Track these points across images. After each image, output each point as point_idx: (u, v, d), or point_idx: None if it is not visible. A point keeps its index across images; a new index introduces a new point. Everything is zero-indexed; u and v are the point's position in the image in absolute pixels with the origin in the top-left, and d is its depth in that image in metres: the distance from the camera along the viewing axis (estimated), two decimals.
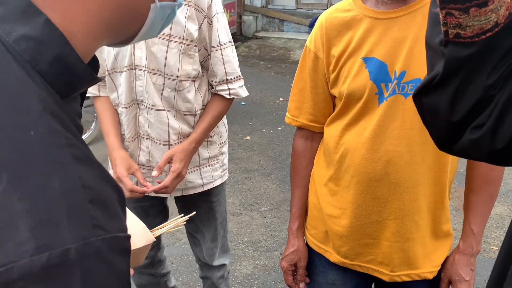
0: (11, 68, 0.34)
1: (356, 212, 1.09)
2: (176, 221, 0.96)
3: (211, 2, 1.32)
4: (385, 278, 1.12)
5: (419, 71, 0.97)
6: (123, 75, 1.33)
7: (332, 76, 1.08)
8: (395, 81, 0.99)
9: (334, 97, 1.13)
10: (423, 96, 0.56)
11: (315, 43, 1.11)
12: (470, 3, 0.45)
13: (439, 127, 0.56)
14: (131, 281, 1.71)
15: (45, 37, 0.36)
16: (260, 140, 4.10)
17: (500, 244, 2.77)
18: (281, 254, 2.58)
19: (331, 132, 1.13)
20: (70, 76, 0.39)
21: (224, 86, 1.41)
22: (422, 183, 1.03)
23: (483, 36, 0.47)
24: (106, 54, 1.34)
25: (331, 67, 1.08)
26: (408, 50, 0.97)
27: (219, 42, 1.36)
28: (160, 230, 1.02)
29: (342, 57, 1.05)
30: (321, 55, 1.10)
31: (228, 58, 1.39)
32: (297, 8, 8.22)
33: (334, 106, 1.15)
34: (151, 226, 1.60)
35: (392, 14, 0.99)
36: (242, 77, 1.45)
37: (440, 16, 0.48)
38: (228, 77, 1.40)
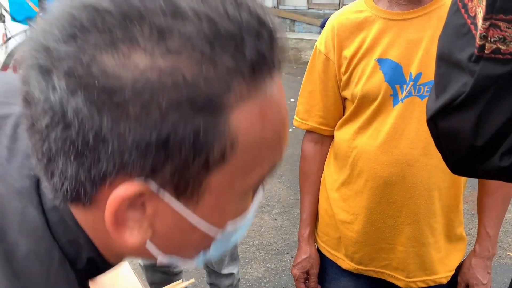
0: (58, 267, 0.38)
1: (370, 216, 1.07)
2: (175, 287, 0.94)
3: None
4: (401, 284, 1.10)
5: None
6: None
7: (344, 77, 1.07)
8: (411, 83, 0.98)
9: (345, 99, 1.11)
10: (439, 120, 0.50)
11: (325, 45, 1.10)
12: None
13: (457, 152, 0.51)
14: (144, 278, 1.71)
15: (85, 245, 0.40)
16: None
17: None
18: (292, 257, 2.56)
19: (342, 135, 1.11)
20: (95, 271, 0.43)
21: None
22: (438, 187, 1.02)
23: None
24: None
25: (342, 69, 1.07)
26: (424, 51, 0.96)
27: None
28: None
29: (355, 59, 1.04)
30: (332, 57, 1.08)
31: None
32: (309, 8, 8.18)
33: (344, 109, 1.13)
34: None
35: (407, 15, 0.98)
36: None
37: (480, 28, 0.43)
38: None
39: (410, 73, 0.98)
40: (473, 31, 0.45)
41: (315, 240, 1.25)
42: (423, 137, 0.99)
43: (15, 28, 3.68)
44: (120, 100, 0.30)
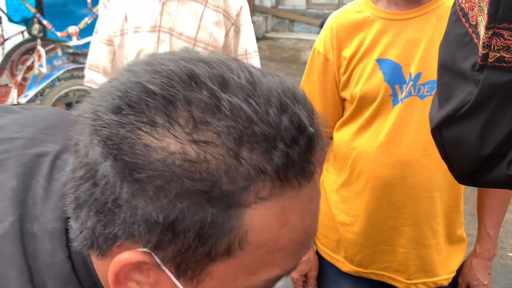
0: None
1: (370, 218, 1.06)
2: None
3: (240, 10, 1.31)
4: (401, 286, 1.10)
5: (435, 72, 0.94)
6: None
7: (343, 78, 1.06)
8: (410, 83, 0.97)
9: (344, 100, 1.10)
10: (444, 129, 0.50)
11: (324, 45, 1.09)
12: None
13: (463, 161, 0.50)
14: None
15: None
16: None
17: None
18: None
19: (341, 136, 1.10)
20: None
21: None
22: (439, 187, 1.01)
23: None
24: (128, 52, 1.32)
25: (342, 69, 1.06)
26: (423, 51, 0.96)
27: (246, 51, 1.36)
28: None
29: (354, 59, 1.04)
30: (331, 57, 1.08)
31: None
32: (308, 8, 8.18)
33: (343, 110, 1.12)
34: None
35: (406, 15, 0.98)
36: None
37: (483, 37, 0.43)
38: None
39: (410, 73, 0.97)
40: (475, 40, 0.45)
41: (314, 243, 1.24)
42: (423, 137, 0.98)
43: (12, 29, 3.67)
44: (140, 177, 0.32)
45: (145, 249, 0.34)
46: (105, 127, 0.33)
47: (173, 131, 0.32)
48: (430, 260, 1.07)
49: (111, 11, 1.33)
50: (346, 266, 1.14)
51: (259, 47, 1.41)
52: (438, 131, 0.51)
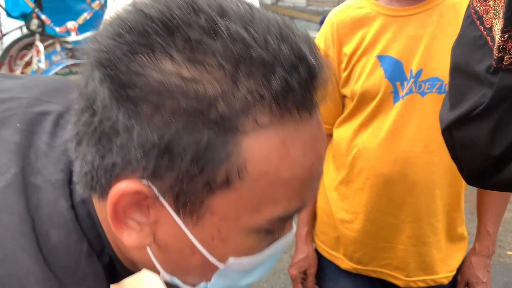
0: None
1: (370, 215, 1.06)
2: None
3: None
4: (400, 284, 1.09)
5: (437, 69, 0.95)
6: None
7: (344, 75, 1.05)
8: (411, 80, 0.97)
9: (344, 97, 1.09)
10: (455, 129, 0.50)
11: (325, 41, 1.08)
12: None
13: (473, 161, 0.50)
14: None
15: (106, 241, 0.42)
16: None
17: None
18: (291, 256, 2.53)
19: (342, 133, 1.09)
20: (115, 274, 0.44)
21: None
22: (439, 185, 1.01)
23: None
24: None
25: (342, 66, 1.05)
26: (425, 48, 0.95)
27: None
28: None
29: (355, 55, 1.03)
30: (332, 54, 1.07)
31: None
32: (308, 5, 8.17)
33: (343, 107, 1.11)
34: None
35: (408, 12, 0.97)
36: None
37: (499, 40, 0.43)
38: None
39: (411, 69, 0.97)
40: (490, 43, 0.45)
41: (313, 240, 1.23)
42: (424, 134, 0.97)
43: (11, 24, 3.65)
44: (135, 95, 0.32)
45: (144, 179, 0.34)
46: (104, 51, 0.33)
47: (170, 52, 0.32)
48: (430, 258, 1.06)
49: (120, 4, 1.32)
50: (345, 264, 1.14)
51: None
52: (449, 131, 0.51)
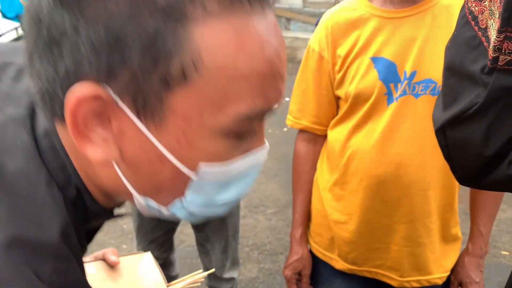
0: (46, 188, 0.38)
1: (365, 216, 1.06)
2: (194, 277, 0.92)
3: None
4: (394, 284, 1.10)
5: (430, 71, 0.95)
6: None
7: (338, 76, 1.06)
8: (405, 81, 0.97)
9: (339, 99, 1.10)
10: (449, 130, 0.50)
11: (319, 43, 1.09)
12: None
13: (466, 162, 0.50)
14: None
15: (73, 172, 0.40)
16: (267, 140, 4.06)
17: (511, 249, 2.69)
18: (286, 257, 2.54)
19: (336, 135, 1.09)
20: (86, 212, 0.43)
21: None
22: (433, 186, 1.01)
23: None
24: None
25: (337, 67, 1.06)
26: (418, 50, 0.96)
27: None
28: (177, 285, 0.98)
29: (349, 57, 1.03)
30: (326, 55, 1.07)
31: None
32: (304, 6, 8.17)
33: (338, 108, 1.12)
34: (164, 229, 1.55)
35: (401, 14, 0.98)
36: None
37: (494, 41, 0.43)
38: None
39: (405, 71, 0.97)
40: (485, 44, 0.45)
41: (308, 241, 1.23)
42: (418, 136, 0.98)
43: (6, 26, 3.63)
44: None
45: (98, 82, 0.33)
46: None
47: None
48: (424, 258, 1.07)
49: None
50: (340, 264, 1.14)
51: None
52: (443, 132, 0.51)
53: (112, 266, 0.75)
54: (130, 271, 0.77)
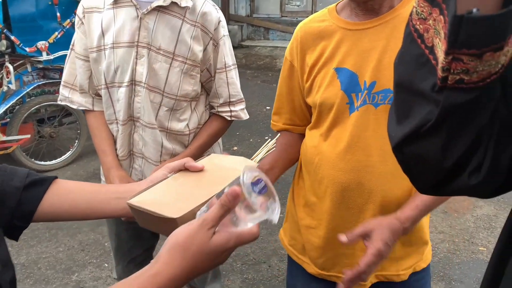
0: None
1: (332, 222, 1.09)
2: (267, 146, 0.96)
3: (218, 24, 1.32)
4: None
5: (389, 81, 0.98)
6: (123, 90, 1.30)
7: (307, 85, 1.09)
8: (365, 91, 1.00)
9: (310, 107, 1.13)
10: (406, 147, 0.50)
11: (290, 52, 1.13)
12: (487, 48, 0.40)
13: (425, 174, 0.51)
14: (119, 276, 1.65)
15: None
16: (247, 150, 4.08)
17: (488, 244, 2.75)
18: (269, 266, 2.55)
19: (309, 141, 1.13)
20: None
21: (226, 108, 1.42)
22: (395, 193, 1.03)
23: (488, 80, 0.42)
24: (106, 67, 1.30)
25: (305, 76, 1.09)
26: (377, 61, 0.98)
27: (225, 64, 1.37)
28: (259, 156, 1.05)
29: (316, 67, 1.06)
30: (296, 64, 1.11)
31: (232, 80, 1.40)
32: (282, 16, 8.27)
33: (311, 115, 1.15)
34: (143, 246, 1.56)
35: (363, 26, 1.01)
36: (244, 99, 1.45)
37: (443, 62, 0.43)
38: (231, 99, 1.41)
39: (365, 81, 1.00)
40: (433, 62, 0.45)
41: (284, 244, 1.25)
42: (379, 144, 1.00)
43: None
44: None
45: None
46: None
47: None
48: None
49: (87, 27, 1.32)
50: (311, 268, 1.16)
51: (235, 56, 1.44)
52: (400, 149, 0.51)
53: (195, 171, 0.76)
54: (210, 167, 0.78)
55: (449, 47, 0.41)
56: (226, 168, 0.79)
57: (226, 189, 0.57)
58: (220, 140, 1.55)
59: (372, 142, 1.01)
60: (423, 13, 0.48)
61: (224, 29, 1.35)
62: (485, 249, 2.62)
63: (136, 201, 0.68)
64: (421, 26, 0.48)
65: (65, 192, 0.75)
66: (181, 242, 0.55)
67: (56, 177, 0.76)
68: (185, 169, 0.77)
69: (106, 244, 2.71)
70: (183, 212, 0.63)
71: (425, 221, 1.11)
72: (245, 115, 1.47)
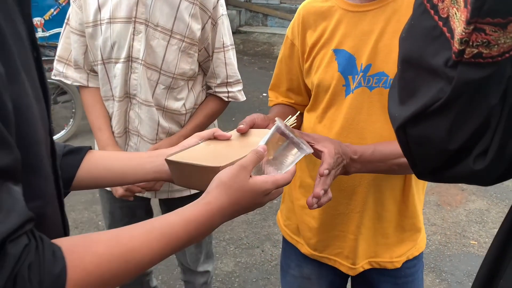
0: None
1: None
2: (288, 121, 0.96)
3: (217, 2, 1.30)
4: (351, 273, 1.13)
5: (384, 64, 0.97)
6: (119, 66, 1.28)
7: (306, 65, 1.09)
8: (361, 74, 0.99)
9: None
10: (410, 127, 0.48)
11: (292, 30, 1.12)
12: None
13: (428, 156, 0.48)
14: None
15: None
16: None
17: (479, 238, 2.77)
18: (262, 251, 2.56)
19: (307, 122, 1.13)
20: None
21: (224, 89, 1.40)
22: (388, 176, 1.03)
23: (507, 55, 0.40)
24: (102, 43, 1.28)
25: (305, 56, 1.09)
26: (374, 43, 0.98)
27: (223, 44, 1.35)
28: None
29: (316, 47, 1.06)
30: (297, 43, 1.10)
31: (230, 61, 1.38)
32: (281, 2, 8.18)
33: (310, 96, 1.14)
34: None
35: (364, 8, 1.00)
36: (241, 81, 1.43)
37: (461, 33, 0.40)
38: (228, 80, 1.39)
39: (361, 64, 0.99)
40: (447, 34, 0.43)
41: (280, 225, 1.25)
42: (372, 127, 1.00)
43: None
44: None
45: None
46: None
47: None
48: (374, 242, 1.09)
49: (83, 1, 1.28)
50: (304, 248, 1.17)
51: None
52: (403, 129, 0.49)
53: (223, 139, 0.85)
54: (237, 136, 0.89)
55: (472, 15, 0.38)
56: (252, 136, 0.88)
57: (266, 138, 0.73)
58: (216, 122, 1.54)
59: (366, 125, 1.00)
60: None
61: (223, 8, 1.33)
62: (476, 242, 2.65)
63: (176, 157, 0.76)
64: None
65: (101, 158, 0.79)
66: (225, 180, 0.64)
67: (90, 147, 0.80)
68: (214, 138, 0.85)
69: (100, 222, 2.70)
70: (225, 162, 0.71)
71: (419, 208, 1.11)
72: (242, 97, 1.45)
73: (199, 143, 0.83)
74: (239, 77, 1.42)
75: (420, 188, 1.10)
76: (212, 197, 0.63)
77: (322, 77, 1.03)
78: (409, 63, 0.48)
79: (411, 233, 1.12)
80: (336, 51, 1.02)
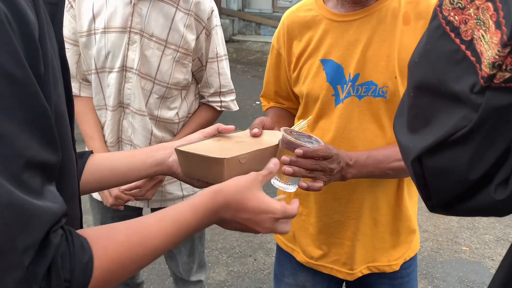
0: None
1: (319, 212, 1.10)
2: (299, 125, 0.98)
3: (211, 13, 1.32)
4: (349, 278, 1.13)
5: (372, 74, 0.98)
6: (113, 76, 1.28)
7: (294, 75, 1.09)
8: (349, 83, 1.00)
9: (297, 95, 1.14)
10: (427, 158, 0.44)
11: (277, 40, 1.13)
12: None
13: (445, 188, 0.45)
14: None
15: None
16: None
17: (471, 244, 2.78)
18: (255, 259, 2.55)
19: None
20: None
21: (217, 98, 1.41)
22: (382, 182, 1.04)
23: None
24: (96, 52, 1.28)
25: (292, 66, 1.09)
26: (361, 53, 0.98)
27: (216, 54, 1.36)
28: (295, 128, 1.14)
29: (302, 57, 1.06)
30: (283, 52, 1.11)
31: (223, 71, 1.39)
32: (274, 11, 8.25)
33: (299, 104, 1.15)
34: None
35: (349, 17, 1.00)
36: (234, 90, 1.45)
37: (494, 57, 0.37)
38: (221, 90, 1.40)
39: (349, 73, 1.00)
40: (471, 58, 0.40)
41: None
42: (363, 135, 1.01)
43: None
44: None
45: None
46: None
47: None
48: (372, 247, 1.10)
49: (77, 10, 1.29)
50: (300, 256, 1.17)
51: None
52: (419, 161, 0.45)
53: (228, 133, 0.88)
54: (244, 134, 0.93)
55: (510, 37, 0.35)
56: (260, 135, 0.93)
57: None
58: None
59: (356, 134, 1.01)
60: (460, 2, 0.42)
61: (216, 19, 1.35)
62: (468, 248, 2.67)
63: (186, 147, 0.80)
64: (456, 17, 0.42)
65: (104, 160, 0.81)
66: (241, 179, 0.66)
67: (92, 152, 0.82)
68: (218, 132, 0.88)
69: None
70: (230, 155, 0.75)
71: (413, 211, 1.13)
72: (235, 106, 1.46)
73: (208, 139, 0.87)
74: (232, 87, 1.43)
75: (413, 191, 1.11)
76: (222, 187, 0.65)
77: (310, 87, 1.04)
78: (424, 89, 0.45)
79: (406, 235, 1.13)
80: (323, 61, 1.03)
